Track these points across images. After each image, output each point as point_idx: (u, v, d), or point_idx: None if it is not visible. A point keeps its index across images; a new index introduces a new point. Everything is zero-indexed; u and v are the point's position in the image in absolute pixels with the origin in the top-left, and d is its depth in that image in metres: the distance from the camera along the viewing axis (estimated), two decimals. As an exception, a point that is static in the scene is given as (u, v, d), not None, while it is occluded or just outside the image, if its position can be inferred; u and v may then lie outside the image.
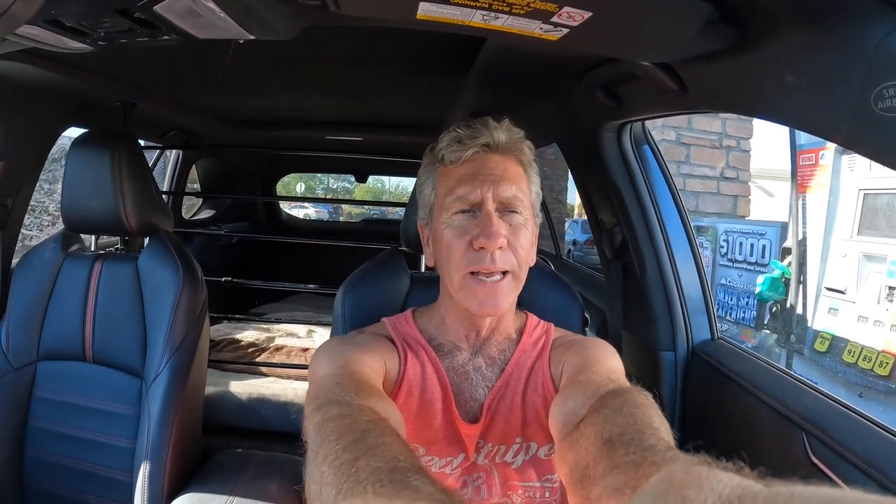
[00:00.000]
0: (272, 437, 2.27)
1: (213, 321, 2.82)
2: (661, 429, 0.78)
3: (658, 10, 0.90)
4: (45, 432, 1.74)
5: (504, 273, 1.08)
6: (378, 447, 0.69)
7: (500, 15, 0.89)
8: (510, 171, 1.10)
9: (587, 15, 0.87)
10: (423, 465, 0.68)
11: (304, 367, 2.57)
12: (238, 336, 2.90)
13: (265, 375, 2.58)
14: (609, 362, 1.08)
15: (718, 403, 1.49)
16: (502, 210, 1.08)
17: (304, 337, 3.03)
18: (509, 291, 1.09)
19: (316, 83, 2.19)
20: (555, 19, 0.89)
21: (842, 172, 5.01)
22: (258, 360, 2.69)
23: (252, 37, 1.06)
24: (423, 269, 1.64)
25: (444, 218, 1.11)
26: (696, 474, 0.44)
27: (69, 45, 1.03)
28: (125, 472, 1.68)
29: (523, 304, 1.32)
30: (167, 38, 1.02)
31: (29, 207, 2.06)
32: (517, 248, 1.08)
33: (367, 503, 0.59)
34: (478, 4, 0.87)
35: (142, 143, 2.72)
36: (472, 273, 1.07)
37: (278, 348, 2.79)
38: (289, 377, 2.55)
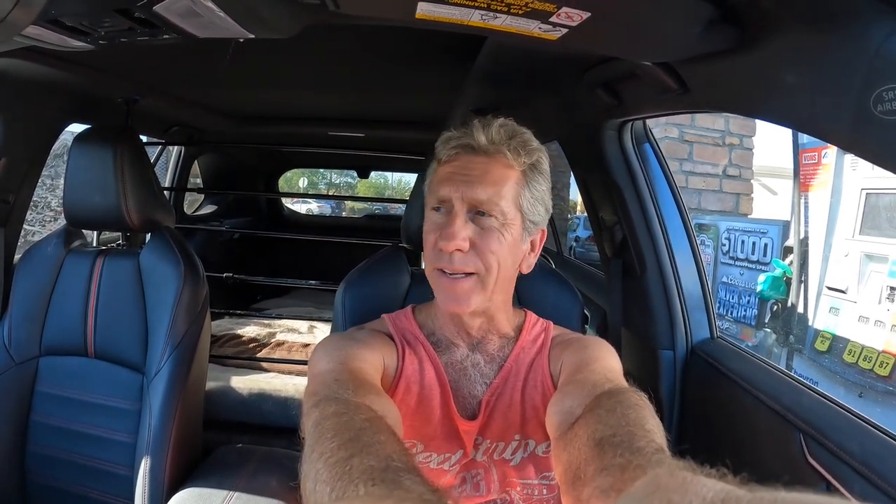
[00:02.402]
0: (273, 432, 2.27)
1: (215, 316, 2.83)
2: (654, 430, 0.79)
3: (658, 11, 0.90)
4: (46, 427, 1.75)
5: (468, 274, 1.08)
6: (372, 446, 0.70)
7: (498, 15, 0.89)
8: (491, 174, 1.08)
9: (586, 15, 0.87)
10: (416, 464, 0.69)
11: (305, 362, 2.55)
12: (239, 331, 2.91)
13: (266, 371, 2.59)
14: (607, 361, 1.08)
15: (717, 403, 1.49)
16: (473, 212, 1.08)
17: (305, 332, 3.04)
18: (472, 292, 1.09)
19: (318, 79, 2.19)
20: (553, 19, 0.89)
21: (844, 171, 5.00)
22: (259, 355, 2.70)
23: (252, 36, 1.06)
24: (423, 266, 1.65)
25: (426, 214, 1.14)
26: (681, 479, 0.45)
27: (70, 44, 1.03)
28: (126, 467, 1.69)
29: (523, 301, 1.32)
30: (167, 37, 1.02)
31: (31, 203, 2.07)
32: (484, 251, 1.07)
33: (360, 502, 0.60)
34: (476, 4, 0.87)
35: (144, 138, 2.73)
36: (439, 269, 1.09)
37: (279, 344, 2.80)
38: (290, 373, 2.56)
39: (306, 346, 2.78)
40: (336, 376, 0.95)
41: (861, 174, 4.83)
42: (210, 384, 2.14)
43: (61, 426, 1.74)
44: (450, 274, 1.08)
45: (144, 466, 1.62)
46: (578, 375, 1.01)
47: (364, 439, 0.71)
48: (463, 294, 1.08)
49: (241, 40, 1.09)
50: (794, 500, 0.36)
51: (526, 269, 1.16)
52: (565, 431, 0.89)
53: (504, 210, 1.08)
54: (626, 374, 1.06)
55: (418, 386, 1.13)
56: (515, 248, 1.12)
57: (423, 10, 0.92)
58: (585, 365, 1.05)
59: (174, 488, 1.63)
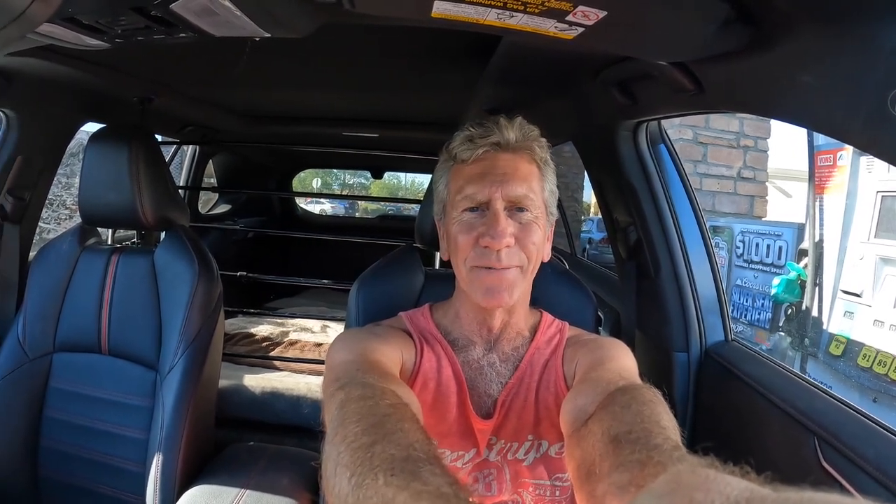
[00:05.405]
0: (284, 430, 2.28)
1: (228, 315, 2.84)
2: (669, 427, 0.79)
3: (674, 10, 0.89)
4: (59, 423, 1.76)
5: (511, 267, 1.09)
6: (395, 433, 0.70)
7: (514, 13, 0.89)
8: (521, 170, 1.10)
9: (602, 14, 0.86)
10: (437, 453, 0.70)
11: (318, 361, 2.59)
12: (252, 330, 2.92)
13: (278, 369, 2.60)
14: (622, 360, 1.08)
15: (730, 406, 1.48)
16: (511, 208, 1.09)
17: (318, 332, 3.05)
18: (516, 283, 1.09)
19: (332, 79, 2.20)
20: (569, 18, 0.89)
21: (860, 174, 4.97)
22: (272, 354, 2.71)
23: (268, 35, 1.06)
24: (437, 266, 1.65)
25: (453, 215, 1.13)
26: (704, 476, 0.44)
27: (86, 43, 1.04)
28: (138, 463, 1.70)
29: (536, 302, 1.32)
30: (183, 35, 1.02)
31: (47, 201, 2.08)
32: (527, 244, 1.08)
33: (378, 491, 0.61)
34: (493, 3, 0.86)
35: (159, 138, 2.74)
36: (478, 266, 1.09)
37: (292, 343, 2.81)
38: (302, 371, 2.57)
39: (319, 345, 2.79)
40: (357, 366, 0.96)
41: (877, 176, 4.80)
42: (223, 382, 2.15)
43: (74, 422, 1.75)
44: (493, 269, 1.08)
45: (156, 463, 1.63)
46: (592, 374, 1.02)
47: (388, 426, 0.72)
48: (507, 285, 1.08)
49: (257, 39, 1.09)
50: (820, 501, 0.35)
51: (546, 257, 1.17)
52: (578, 428, 0.89)
53: (536, 203, 1.10)
54: (640, 376, 1.05)
55: (435, 383, 1.14)
56: (547, 238, 1.15)
57: (440, 9, 0.91)
58: (599, 364, 1.05)
59: (186, 485, 1.63)
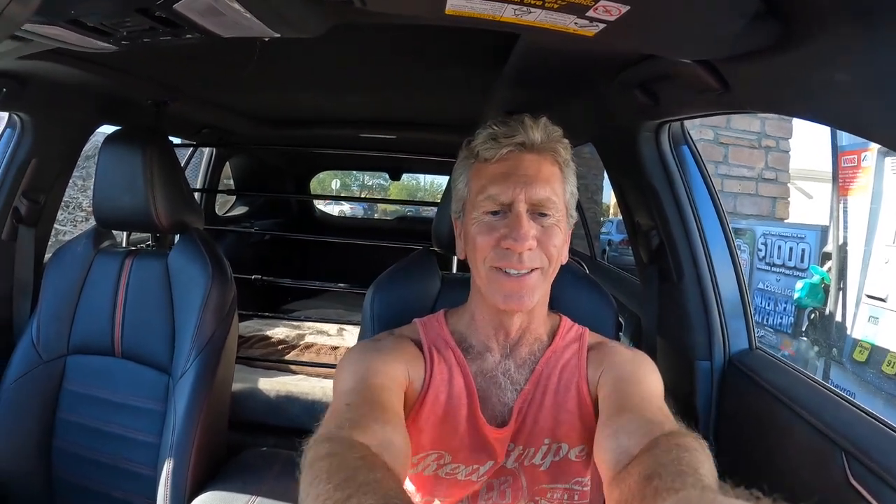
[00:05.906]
0: (299, 435, 2.26)
1: (244, 318, 2.84)
2: (706, 475, 0.76)
3: (700, 5, 0.86)
4: (72, 425, 1.77)
5: (532, 269, 1.07)
6: (369, 484, 0.69)
7: (532, 9, 0.86)
8: (544, 172, 1.09)
9: (624, 9, 0.83)
10: (412, 500, 0.70)
11: (334, 365, 2.57)
12: (268, 333, 2.92)
13: (294, 373, 2.58)
14: (653, 384, 1.08)
15: (754, 417, 1.44)
16: (533, 211, 1.07)
17: (334, 335, 3.04)
18: (536, 287, 1.09)
19: (349, 81, 2.19)
20: (590, 14, 0.86)
21: (885, 175, 4.88)
22: (287, 357, 2.70)
23: (278, 35, 1.05)
24: (454, 270, 1.62)
25: (474, 215, 1.11)
26: (710, 499, 0.43)
27: (93, 45, 1.04)
28: (150, 467, 1.70)
29: (555, 306, 1.29)
30: (190, 36, 1.01)
31: (63, 203, 2.09)
32: (548, 246, 1.07)
33: None
34: (509, -1, 0.84)
35: (176, 140, 2.74)
36: (498, 267, 1.07)
37: (308, 346, 2.80)
38: (317, 375, 2.55)
39: (335, 348, 2.78)
40: (351, 399, 0.96)
41: (902, 178, 4.72)
42: (237, 385, 2.15)
43: (87, 424, 1.76)
44: (514, 273, 1.06)
45: (167, 468, 1.62)
46: (627, 404, 0.99)
47: (360, 478, 0.71)
48: (527, 289, 1.07)
49: (267, 40, 1.08)
50: None
51: (564, 260, 1.15)
52: (619, 471, 0.86)
53: (558, 206, 1.09)
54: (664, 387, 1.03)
55: (446, 395, 1.12)
56: (565, 240, 1.13)
57: (453, 6, 0.89)
58: (631, 388, 1.04)
59: (197, 490, 1.64)
